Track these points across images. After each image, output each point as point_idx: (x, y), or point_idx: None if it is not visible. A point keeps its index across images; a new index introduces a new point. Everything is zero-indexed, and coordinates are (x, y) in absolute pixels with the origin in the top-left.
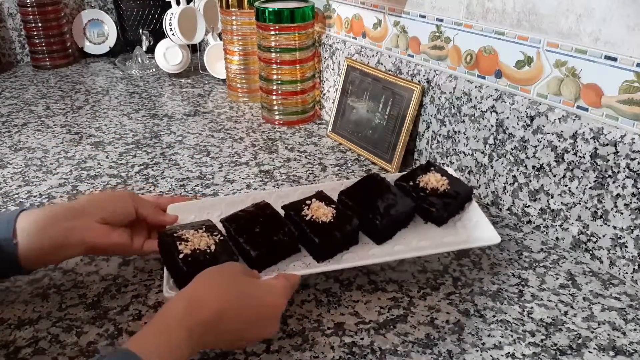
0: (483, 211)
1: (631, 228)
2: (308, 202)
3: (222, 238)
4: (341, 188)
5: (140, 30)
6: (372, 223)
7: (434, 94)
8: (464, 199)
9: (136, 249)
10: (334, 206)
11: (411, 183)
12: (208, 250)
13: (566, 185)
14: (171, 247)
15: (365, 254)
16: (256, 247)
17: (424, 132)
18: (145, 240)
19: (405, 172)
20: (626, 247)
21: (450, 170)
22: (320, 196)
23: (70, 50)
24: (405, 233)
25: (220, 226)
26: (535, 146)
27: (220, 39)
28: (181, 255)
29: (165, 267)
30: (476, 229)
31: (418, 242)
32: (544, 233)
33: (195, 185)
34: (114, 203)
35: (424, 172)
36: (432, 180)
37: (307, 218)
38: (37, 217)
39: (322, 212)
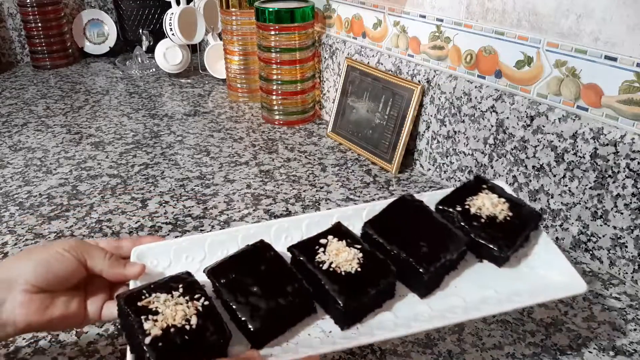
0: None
1: (631, 228)
2: (323, 240)
3: (206, 303)
4: (364, 214)
5: (140, 30)
6: (414, 272)
7: (434, 94)
8: (531, 229)
9: (92, 318)
10: (358, 247)
11: (459, 208)
12: (187, 327)
13: (566, 185)
14: (134, 325)
15: (408, 314)
16: (256, 316)
17: (424, 132)
18: (105, 303)
19: (449, 192)
20: (626, 247)
21: (506, 187)
22: (339, 231)
23: (70, 50)
24: (455, 278)
25: (202, 277)
26: (535, 146)
27: (220, 39)
28: (148, 339)
29: (128, 349)
30: (549, 271)
31: (477, 292)
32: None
33: (195, 185)
34: (48, 262)
35: (473, 193)
36: (486, 204)
37: (325, 267)
38: None
39: (345, 258)
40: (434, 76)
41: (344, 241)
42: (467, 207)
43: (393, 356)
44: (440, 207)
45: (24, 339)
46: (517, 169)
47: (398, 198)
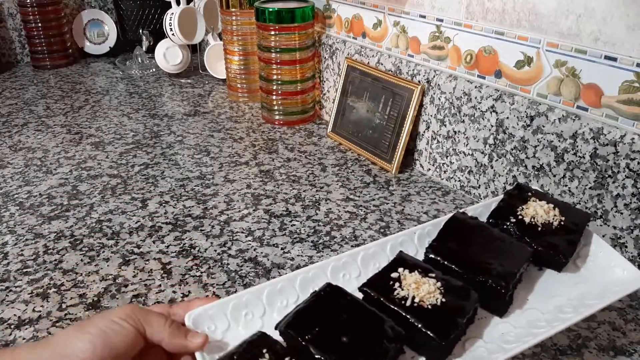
0: None
1: (631, 228)
2: (394, 274)
3: None
4: (416, 237)
5: (140, 30)
6: (492, 291)
7: (434, 94)
8: (583, 230)
9: None
10: (433, 276)
11: (513, 220)
12: None
13: (566, 185)
14: None
15: (495, 336)
16: None
17: (424, 132)
18: None
19: (496, 204)
20: (626, 247)
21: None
22: (406, 262)
23: (70, 50)
24: (522, 290)
25: (274, 334)
26: (535, 146)
27: (220, 39)
28: None
29: None
30: (609, 269)
31: (550, 302)
32: None
33: (195, 185)
34: (107, 334)
35: (523, 202)
36: (539, 212)
37: (408, 303)
38: None
39: (427, 290)
40: (434, 76)
41: (416, 272)
42: (520, 217)
43: None
44: (493, 220)
45: (24, 339)
46: (517, 169)
47: (451, 217)
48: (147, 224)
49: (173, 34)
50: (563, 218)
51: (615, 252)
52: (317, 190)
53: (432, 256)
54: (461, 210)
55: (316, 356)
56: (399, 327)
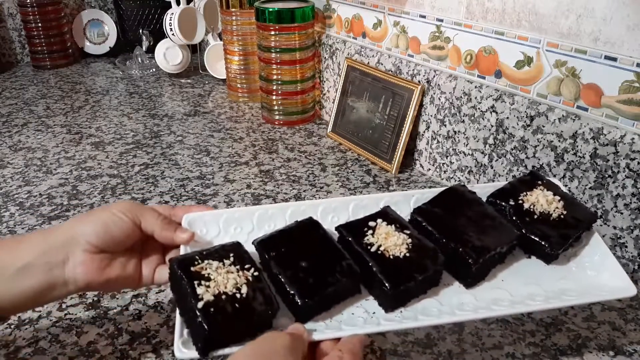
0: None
1: (631, 228)
2: (372, 223)
3: (256, 274)
4: (412, 200)
5: (140, 30)
6: (462, 261)
7: (434, 94)
8: (583, 229)
9: (145, 281)
10: (407, 232)
11: (512, 202)
12: (238, 295)
13: (566, 185)
14: (186, 288)
15: (453, 303)
16: (305, 292)
17: (424, 132)
18: (158, 266)
19: (502, 185)
20: (626, 247)
21: (561, 185)
22: (388, 216)
23: (70, 50)
24: (502, 271)
25: (250, 248)
26: (535, 146)
27: (220, 39)
28: (200, 304)
29: (177, 311)
30: (600, 272)
31: (524, 287)
32: None
33: (195, 185)
34: (107, 223)
35: (528, 188)
36: (541, 200)
37: (373, 249)
38: (8, 258)
39: (394, 242)
40: (434, 76)
41: (393, 225)
42: (520, 201)
43: (393, 356)
44: (492, 199)
45: (24, 339)
46: (517, 169)
47: (450, 187)
48: None
49: (173, 34)
50: (565, 212)
51: (613, 257)
52: (317, 190)
53: (416, 217)
54: (462, 184)
55: (273, 270)
56: (356, 266)
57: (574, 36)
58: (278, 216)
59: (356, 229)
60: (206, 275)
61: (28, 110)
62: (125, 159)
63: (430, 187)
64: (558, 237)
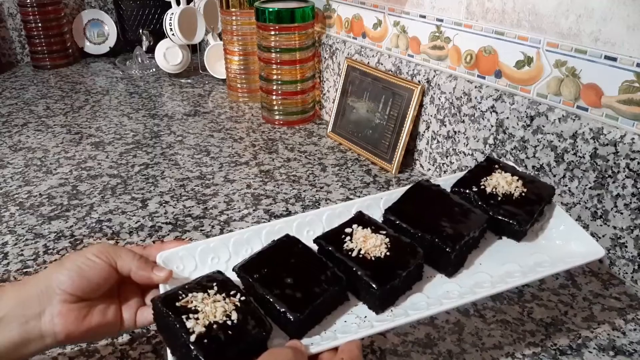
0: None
1: (631, 228)
2: (348, 229)
3: (243, 298)
4: (382, 202)
5: (140, 30)
6: (440, 251)
7: (434, 94)
8: (545, 202)
9: (127, 325)
10: (384, 232)
11: (475, 189)
12: (229, 322)
13: (566, 185)
14: (175, 324)
15: (439, 293)
16: (295, 307)
17: (424, 132)
18: (139, 309)
19: (462, 175)
20: (626, 247)
21: (515, 166)
22: (362, 220)
23: (70, 50)
24: (478, 256)
25: (232, 276)
26: (535, 146)
27: (220, 39)
28: (193, 337)
29: (168, 352)
30: (568, 241)
31: (501, 267)
32: None
33: (195, 185)
34: (81, 268)
35: (487, 173)
36: (501, 182)
37: (354, 254)
38: None
39: (373, 244)
40: (434, 76)
41: (368, 228)
42: (482, 187)
43: (393, 356)
44: (456, 189)
45: None
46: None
47: (415, 184)
48: (147, 224)
49: (173, 34)
50: (525, 190)
51: (577, 225)
52: (317, 191)
53: (389, 217)
54: (426, 179)
55: (259, 292)
56: (341, 274)
57: (574, 36)
58: (254, 239)
59: (334, 237)
60: (193, 308)
61: (28, 110)
62: (125, 159)
63: None
64: (524, 214)
